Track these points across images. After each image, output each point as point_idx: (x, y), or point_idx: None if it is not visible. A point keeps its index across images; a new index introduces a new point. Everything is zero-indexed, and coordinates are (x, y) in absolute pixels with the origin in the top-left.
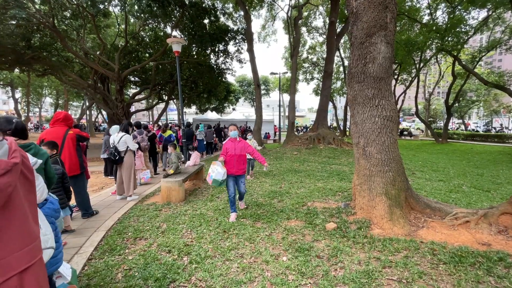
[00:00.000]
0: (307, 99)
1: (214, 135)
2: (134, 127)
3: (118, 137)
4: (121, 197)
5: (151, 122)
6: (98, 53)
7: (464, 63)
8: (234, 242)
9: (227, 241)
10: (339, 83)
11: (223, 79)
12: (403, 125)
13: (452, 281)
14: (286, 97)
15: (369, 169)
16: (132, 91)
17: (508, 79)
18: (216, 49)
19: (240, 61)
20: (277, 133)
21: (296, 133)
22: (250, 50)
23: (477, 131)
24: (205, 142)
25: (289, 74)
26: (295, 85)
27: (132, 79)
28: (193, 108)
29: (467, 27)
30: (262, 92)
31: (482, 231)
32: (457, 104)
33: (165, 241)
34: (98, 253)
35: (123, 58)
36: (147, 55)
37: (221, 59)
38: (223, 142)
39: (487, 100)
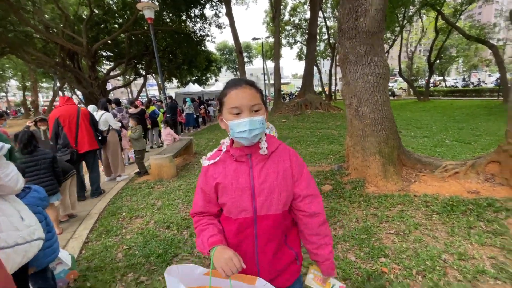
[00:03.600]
0: (291, 65)
1: (202, 107)
2: (114, 105)
3: (97, 116)
4: (110, 179)
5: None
6: (61, 26)
7: (446, 17)
8: None
9: None
10: (322, 45)
11: (203, 48)
12: None
13: (446, 229)
14: (270, 65)
15: (363, 129)
16: (106, 67)
17: (488, 32)
18: (192, 14)
19: (219, 26)
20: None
21: (282, 100)
22: (229, 14)
23: (456, 86)
24: (195, 116)
25: (272, 39)
26: (279, 50)
27: (104, 53)
28: (175, 82)
29: None
30: (245, 60)
31: (470, 180)
32: (438, 61)
33: (162, 218)
34: (94, 235)
35: (91, 30)
36: (116, 26)
37: (199, 25)
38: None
39: (467, 55)
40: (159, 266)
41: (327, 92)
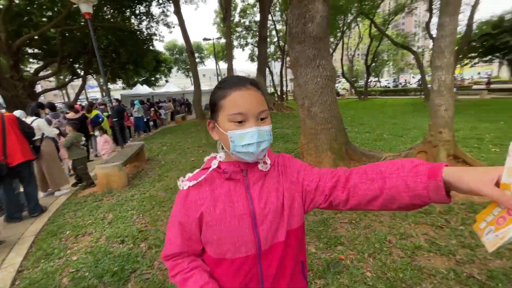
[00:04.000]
0: (243, 66)
1: (152, 109)
2: (47, 109)
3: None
4: (46, 194)
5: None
6: None
7: (378, 26)
8: None
9: None
10: (272, 48)
11: (150, 47)
12: None
13: (389, 214)
14: (222, 66)
15: (315, 128)
16: (34, 66)
17: (410, 40)
18: (137, 11)
19: (167, 25)
20: None
21: None
22: (178, 13)
23: (389, 87)
24: (145, 120)
25: (223, 41)
26: (232, 51)
27: (30, 51)
28: (120, 83)
29: None
30: (196, 60)
31: None
32: (374, 64)
33: (115, 232)
34: (30, 262)
35: (11, 23)
36: (45, 19)
37: (145, 23)
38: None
39: (396, 59)
40: (115, 285)
41: (279, 93)
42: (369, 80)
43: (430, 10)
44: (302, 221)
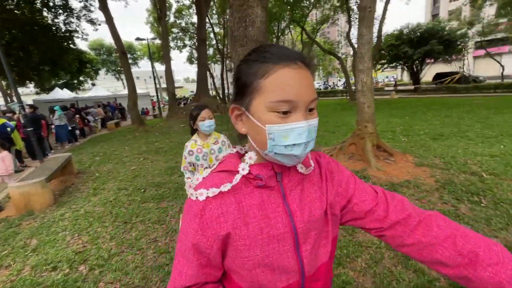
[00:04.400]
0: (182, 69)
1: (78, 116)
2: None
3: None
4: None
5: None
6: None
7: (308, 33)
8: (142, 230)
9: (132, 231)
10: (211, 50)
11: (71, 45)
12: None
13: None
14: (158, 68)
15: None
16: None
17: (335, 47)
18: (50, 3)
19: (92, 22)
20: (156, 107)
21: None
22: (104, 8)
23: (320, 89)
24: (69, 128)
25: (158, 41)
26: (169, 52)
27: None
28: (31, 87)
29: (307, 2)
30: (129, 61)
31: (340, 159)
32: None
33: (43, 259)
34: None
35: None
36: None
37: (62, 17)
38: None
39: (325, 64)
40: None
41: (221, 96)
42: None
43: (349, 22)
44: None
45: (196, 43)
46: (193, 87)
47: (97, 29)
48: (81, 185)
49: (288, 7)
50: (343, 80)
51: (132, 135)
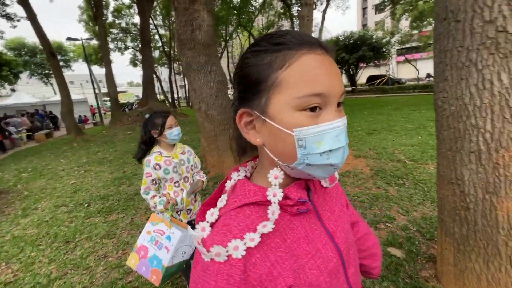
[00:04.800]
0: (125, 72)
1: None
2: None
3: None
4: None
5: None
6: None
7: (255, 38)
8: (89, 247)
9: (77, 250)
10: (157, 53)
11: None
12: None
13: None
14: (98, 70)
15: (214, 130)
16: None
17: None
18: None
19: (8, 17)
20: (97, 114)
21: (123, 111)
22: (24, 3)
23: None
24: None
25: (95, 42)
26: (108, 54)
27: None
28: None
29: (253, 8)
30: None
31: None
32: None
33: None
34: None
35: None
36: None
37: None
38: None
39: None
40: None
41: (170, 100)
42: None
43: (292, 28)
44: None
45: (140, 45)
46: (138, 91)
47: (15, 26)
48: (5, 207)
49: (235, 11)
50: None
51: (69, 146)
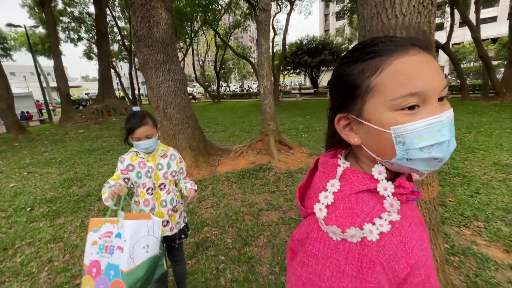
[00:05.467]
0: (78, 65)
1: None
2: None
3: None
4: None
5: None
6: None
7: (222, 36)
8: (31, 252)
9: (16, 257)
10: (116, 46)
11: None
12: (188, 90)
13: (241, 191)
14: (46, 62)
15: (172, 129)
16: None
17: (247, 51)
18: None
19: None
20: (44, 110)
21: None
22: None
23: (236, 91)
24: None
25: (42, 30)
26: (58, 45)
27: None
28: None
29: (219, 6)
30: None
31: (249, 155)
32: (222, 71)
33: None
34: None
35: None
36: None
37: None
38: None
39: (239, 67)
40: None
41: (130, 97)
42: (220, 85)
43: (258, 30)
44: None
45: (96, 37)
46: (94, 86)
47: None
48: None
49: (200, 8)
50: (257, 83)
51: (9, 146)
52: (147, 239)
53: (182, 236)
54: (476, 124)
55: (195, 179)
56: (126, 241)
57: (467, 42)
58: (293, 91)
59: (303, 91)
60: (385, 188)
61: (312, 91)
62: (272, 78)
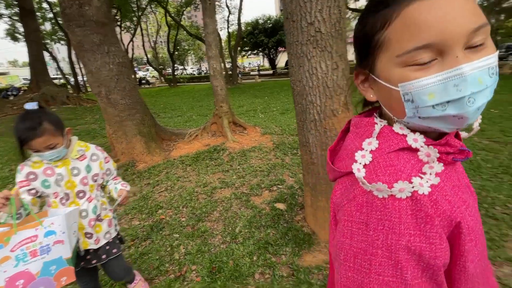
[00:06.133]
0: (2, 48)
1: None
2: None
3: None
4: None
5: None
6: None
7: (173, 15)
8: None
9: None
10: (48, 25)
11: None
12: (140, 74)
13: (195, 173)
14: None
15: (119, 115)
16: None
17: (202, 31)
18: None
19: None
20: None
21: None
22: None
23: (194, 74)
24: None
25: None
26: None
27: None
28: None
29: None
30: None
31: (204, 138)
32: (176, 52)
33: None
34: None
35: None
36: None
37: None
38: None
39: (195, 49)
40: None
41: (72, 83)
42: (176, 68)
43: (203, 9)
44: None
45: (19, 14)
46: (25, 73)
47: None
48: None
49: None
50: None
51: None
52: (75, 225)
53: (114, 250)
54: None
55: (148, 165)
56: (65, 233)
57: None
58: (252, 73)
59: (262, 72)
60: (420, 143)
61: (271, 72)
62: (231, 60)
